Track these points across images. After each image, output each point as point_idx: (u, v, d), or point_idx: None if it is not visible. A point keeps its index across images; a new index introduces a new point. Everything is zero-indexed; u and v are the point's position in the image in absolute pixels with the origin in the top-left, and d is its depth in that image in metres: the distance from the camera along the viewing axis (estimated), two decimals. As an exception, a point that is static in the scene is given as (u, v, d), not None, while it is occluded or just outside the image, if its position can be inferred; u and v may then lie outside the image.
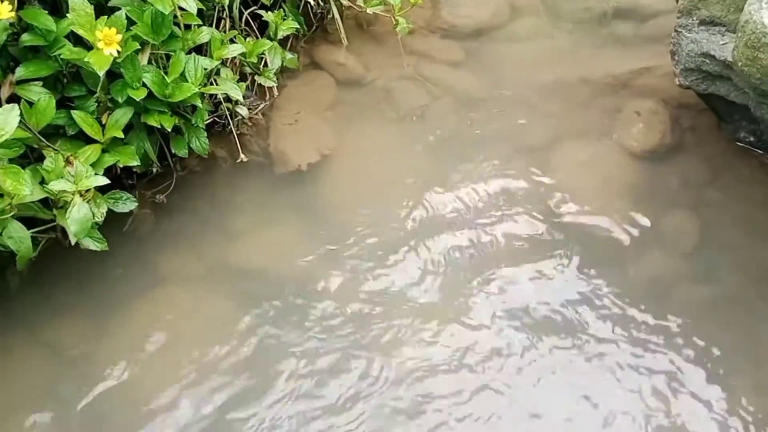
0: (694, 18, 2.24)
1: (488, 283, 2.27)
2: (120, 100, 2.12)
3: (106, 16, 2.05)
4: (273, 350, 2.15)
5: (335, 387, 2.06)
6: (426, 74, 2.96)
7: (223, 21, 2.76)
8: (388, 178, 2.59)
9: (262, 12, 2.79)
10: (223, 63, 2.68)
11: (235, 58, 2.70)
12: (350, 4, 3.08)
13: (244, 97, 2.74)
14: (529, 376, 2.05)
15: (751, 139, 2.46)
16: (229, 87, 2.40)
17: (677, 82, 2.39)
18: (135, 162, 2.18)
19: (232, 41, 2.59)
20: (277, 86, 2.79)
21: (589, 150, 2.59)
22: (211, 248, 2.42)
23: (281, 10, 2.80)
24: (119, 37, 1.97)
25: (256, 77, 2.72)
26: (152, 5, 2.13)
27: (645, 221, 2.37)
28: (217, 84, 2.43)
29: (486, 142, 2.69)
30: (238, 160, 2.56)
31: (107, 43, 1.95)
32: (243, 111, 2.58)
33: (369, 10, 3.05)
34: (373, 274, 2.31)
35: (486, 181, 2.54)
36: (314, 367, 2.10)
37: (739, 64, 2.00)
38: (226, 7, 2.64)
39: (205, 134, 2.48)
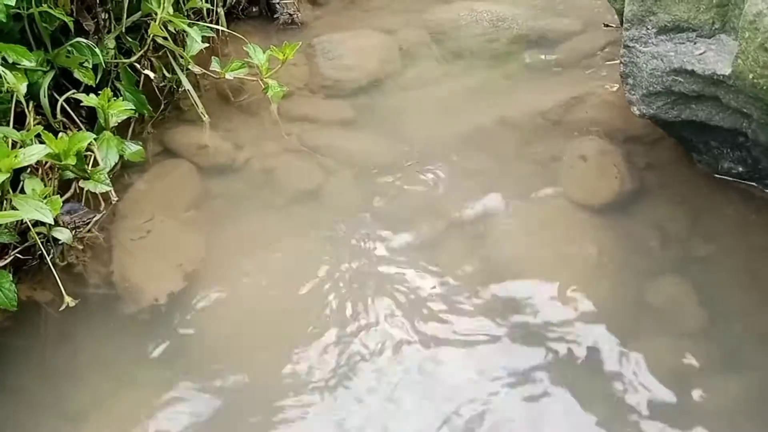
0: (649, 27, 1.74)
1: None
2: None
3: None
4: None
5: None
6: (313, 144, 2.36)
7: (27, 115, 2.04)
8: (282, 295, 1.92)
9: (82, 96, 2.09)
10: (32, 172, 1.95)
11: (47, 162, 1.97)
12: (204, 72, 2.44)
13: (68, 212, 2.01)
14: None
15: (740, 169, 1.97)
16: (31, 209, 1.66)
17: (636, 112, 1.88)
18: None
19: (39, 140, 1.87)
20: (116, 189, 2.07)
21: (533, 215, 2.04)
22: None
23: (108, 89, 2.10)
24: None
25: (81, 183, 1.99)
26: None
27: (628, 300, 1.80)
28: (12, 207, 1.68)
29: (402, 221, 2.09)
30: (62, 308, 1.80)
31: None
32: (63, 234, 1.85)
33: (229, 76, 2.42)
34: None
35: (411, 280, 1.92)
36: None
37: (750, 76, 1.49)
38: (22, 98, 1.91)
39: (10, 279, 1.73)
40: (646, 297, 1.82)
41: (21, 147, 1.83)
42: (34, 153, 1.74)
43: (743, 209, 1.96)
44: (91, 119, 2.26)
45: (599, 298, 1.81)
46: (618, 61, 1.92)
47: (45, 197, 1.82)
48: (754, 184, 2.01)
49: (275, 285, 1.94)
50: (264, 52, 2.42)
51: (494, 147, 2.30)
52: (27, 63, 1.97)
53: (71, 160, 1.92)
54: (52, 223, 1.75)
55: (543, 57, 2.70)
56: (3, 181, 1.67)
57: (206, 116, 2.42)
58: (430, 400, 1.67)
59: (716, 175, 2.03)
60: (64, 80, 2.22)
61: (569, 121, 2.31)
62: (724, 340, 1.73)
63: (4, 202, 1.77)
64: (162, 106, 2.45)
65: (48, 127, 2.06)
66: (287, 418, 1.67)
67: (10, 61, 1.94)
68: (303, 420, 1.66)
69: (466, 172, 2.23)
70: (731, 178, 2.02)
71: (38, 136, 1.90)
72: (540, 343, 1.74)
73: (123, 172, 2.23)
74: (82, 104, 2.13)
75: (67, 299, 1.80)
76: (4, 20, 1.89)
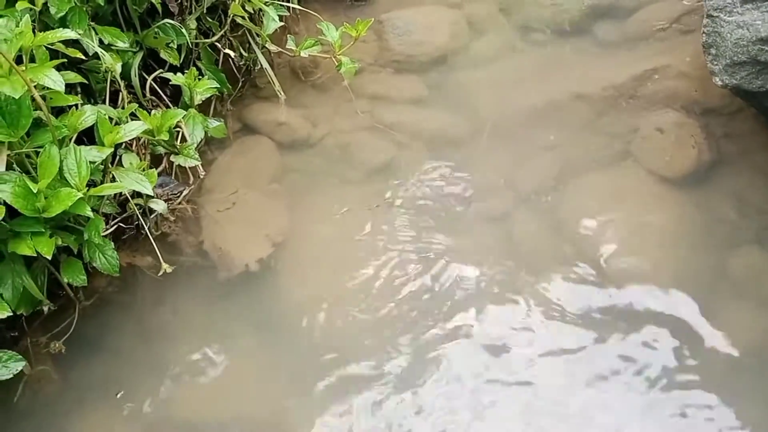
0: (735, -4, 1.73)
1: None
2: (-29, 229, 1.48)
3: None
4: None
5: None
6: (386, 120, 2.40)
7: (120, 94, 2.15)
8: (363, 260, 2.00)
9: (170, 75, 2.19)
10: (126, 147, 2.06)
11: (140, 138, 2.08)
12: (279, 50, 2.51)
13: (160, 185, 2.13)
14: None
15: (823, 140, 1.94)
16: (132, 181, 1.77)
17: (718, 82, 1.86)
18: (4, 313, 1.52)
19: (133, 117, 1.98)
20: (201, 164, 2.18)
21: (610, 185, 2.04)
22: (146, 399, 1.81)
23: (194, 68, 2.19)
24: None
25: (172, 158, 2.10)
26: (-1, 90, 1.51)
27: (708, 270, 1.81)
28: (114, 180, 1.79)
29: (477, 194, 2.13)
30: (160, 273, 1.91)
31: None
32: (159, 206, 1.96)
33: (304, 53, 2.48)
34: (364, 415, 1.67)
35: (490, 246, 1.96)
36: None
37: None
38: (118, 77, 2.02)
39: (112, 246, 1.85)
40: (726, 267, 1.82)
41: (118, 124, 1.95)
42: (133, 129, 1.84)
43: (828, 178, 1.94)
44: (174, 97, 2.36)
45: (678, 268, 1.82)
46: (694, 32, 1.89)
47: (142, 170, 1.93)
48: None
49: (354, 251, 2.02)
50: (336, 29, 2.47)
51: (567, 121, 2.30)
52: (121, 44, 2.07)
53: (164, 136, 2.03)
54: (151, 194, 1.86)
55: (613, 29, 2.66)
56: (106, 156, 1.78)
57: (282, 94, 2.49)
58: (498, 369, 1.73)
59: (800, 146, 2.01)
60: (150, 60, 2.33)
61: (644, 94, 2.29)
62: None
63: (106, 175, 1.89)
64: (240, 85, 2.53)
65: (139, 106, 2.18)
66: (368, 380, 1.75)
67: (106, 42, 2.05)
68: (381, 384, 1.74)
69: (539, 145, 2.25)
70: (814, 149, 1.99)
71: (133, 113, 2.02)
72: (619, 314, 1.77)
73: (206, 148, 2.33)
74: (169, 83, 2.24)
75: (165, 265, 1.92)
76: (102, 3, 2.00)
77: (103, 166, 1.87)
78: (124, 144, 2.09)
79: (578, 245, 1.92)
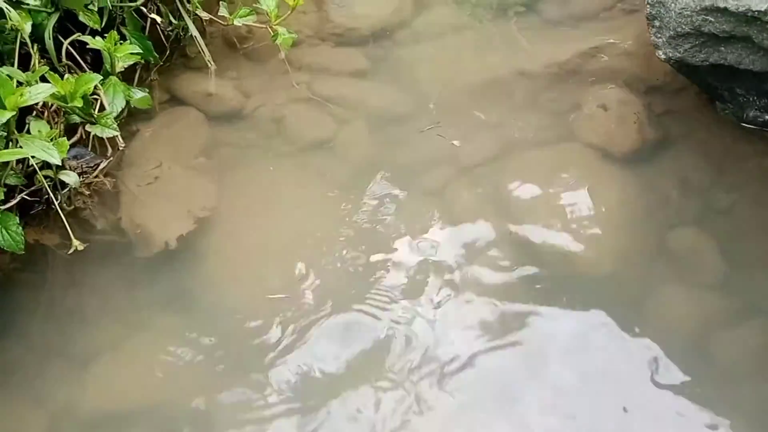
0: (680, -37, 1.67)
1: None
2: None
3: None
4: None
5: None
6: (324, 93, 2.29)
7: (33, 58, 1.98)
8: (294, 239, 1.89)
9: (87, 38, 2.02)
10: (37, 115, 1.90)
11: (52, 105, 1.92)
12: (211, 18, 2.36)
13: (75, 156, 1.97)
14: None
15: (766, 117, 1.90)
16: (37, 149, 1.61)
17: (661, 56, 1.82)
18: None
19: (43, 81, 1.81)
20: (123, 136, 2.02)
21: (552, 162, 1.98)
22: (55, 388, 1.66)
23: (114, 32, 2.03)
24: None
25: (88, 127, 1.94)
26: None
27: (648, 249, 1.76)
28: (18, 145, 1.63)
29: (418, 171, 2.04)
30: (70, 251, 1.76)
31: None
32: (70, 178, 1.80)
33: (237, 22, 2.35)
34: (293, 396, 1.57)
35: (426, 225, 1.88)
36: None
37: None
38: (28, 38, 1.85)
39: (17, 221, 1.69)
40: (666, 247, 1.78)
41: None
42: (40, 92, 1.68)
43: (768, 159, 1.92)
44: (96, 65, 2.19)
45: (618, 247, 1.78)
46: (639, 12, 1.84)
47: (51, 139, 1.77)
48: (781, 132, 1.96)
49: (286, 232, 1.91)
50: (273, -1, 2.35)
51: (510, 98, 2.24)
52: (31, 1, 1.90)
53: (78, 102, 1.86)
54: (60, 164, 1.71)
55: (556, 8, 2.61)
56: (8, 120, 1.62)
57: (213, 64, 2.36)
58: (439, 343, 1.65)
59: (742, 125, 1.97)
60: (68, 23, 2.15)
61: (588, 71, 2.24)
62: (744, 291, 1.69)
63: (10, 143, 1.72)
64: (168, 54, 2.38)
65: (53, 71, 2.00)
66: (295, 361, 1.65)
67: (14, -1, 1.87)
68: (314, 360, 1.64)
69: (482, 122, 2.17)
70: (756, 127, 1.96)
71: (43, 77, 1.85)
72: (555, 290, 1.71)
73: (129, 119, 2.18)
74: (87, 47, 2.07)
75: (75, 242, 1.77)
76: (7, -45, 1.82)
77: (5, 133, 1.70)
78: (34, 112, 1.93)
79: (516, 221, 1.85)
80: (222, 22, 2.37)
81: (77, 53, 2.15)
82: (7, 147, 1.69)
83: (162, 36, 2.35)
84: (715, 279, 1.71)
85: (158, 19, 2.27)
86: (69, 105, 1.85)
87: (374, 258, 1.85)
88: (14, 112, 1.62)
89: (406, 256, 1.84)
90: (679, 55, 1.80)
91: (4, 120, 1.57)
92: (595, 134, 2.02)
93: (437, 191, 2.00)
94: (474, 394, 1.58)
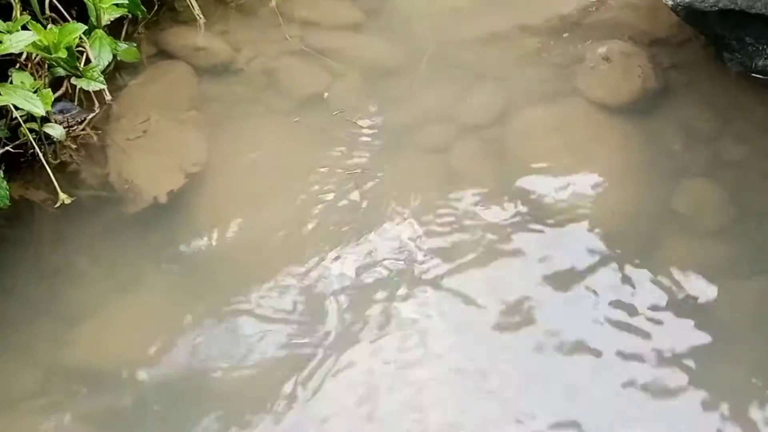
0: None
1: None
2: None
3: None
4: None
5: None
6: (318, 46, 2.22)
7: (13, 8, 1.89)
8: (287, 193, 1.83)
9: (72, -11, 1.94)
10: (21, 67, 1.83)
11: (36, 57, 1.85)
12: (201, -32, 2.28)
13: (61, 111, 1.90)
14: None
15: (777, 66, 1.85)
16: (20, 99, 1.54)
17: (669, 4, 1.74)
18: None
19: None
20: (110, 89, 1.95)
21: (554, 116, 1.94)
22: (43, 345, 1.62)
23: (101, -16, 1.95)
24: None
25: (73, 80, 1.87)
26: None
27: (653, 201, 1.72)
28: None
29: (416, 126, 1.99)
30: (57, 205, 1.71)
31: None
32: (56, 131, 1.74)
33: (227, -27, 2.26)
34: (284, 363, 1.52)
35: (428, 177, 1.82)
36: None
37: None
38: (9, -15, 1.77)
39: (1, 175, 1.63)
40: (672, 198, 1.74)
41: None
42: (21, 39, 1.62)
43: (777, 109, 1.86)
44: (82, 19, 2.11)
45: (623, 198, 1.74)
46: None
47: (35, 90, 1.70)
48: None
49: (278, 186, 1.86)
50: (264, -53, 2.26)
51: (511, 51, 2.17)
52: (10, -54, 1.81)
53: (62, 53, 1.79)
54: (44, 114, 1.64)
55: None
56: (-13, 68, 1.55)
57: (202, 17, 2.28)
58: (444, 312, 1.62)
59: (751, 75, 1.91)
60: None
61: (591, 23, 2.18)
62: (751, 242, 1.67)
63: (-9, 93, 1.65)
64: (156, 8, 2.30)
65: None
66: (286, 314, 1.61)
67: (-8, -57, 1.79)
68: (297, 318, 1.61)
69: (481, 76, 2.11)
70: (765, 77, 1.91)
71: (25, 27, 1.77)
72: (560, 244, 1.67)
73: (116, 73, 2.11)
74: (75, 3, 1.99)
75: (62, 196, 1.72)
76: None
77: (-16, 83, 1.64)
78: (18, 65, 1.86)
79: (520, 178, 1.81)
80: (211, -26, 2.29)
81: (62, 5, 2.07)
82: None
83: (150, -11, 2.27)
84: (722, 230, 1.68)
85: (146, -30, 2.18)
86: (53, 56, 1.78)
87: (369, 212, 1.80)
88: (-7, 60, 1.55)
89: (400, 211, 1.80)
90: (687, 1, 1.73)
91: (-17, 67, 1.50)
92: (599, 87, 1.97)
93: (436, 147, 1.95)
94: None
